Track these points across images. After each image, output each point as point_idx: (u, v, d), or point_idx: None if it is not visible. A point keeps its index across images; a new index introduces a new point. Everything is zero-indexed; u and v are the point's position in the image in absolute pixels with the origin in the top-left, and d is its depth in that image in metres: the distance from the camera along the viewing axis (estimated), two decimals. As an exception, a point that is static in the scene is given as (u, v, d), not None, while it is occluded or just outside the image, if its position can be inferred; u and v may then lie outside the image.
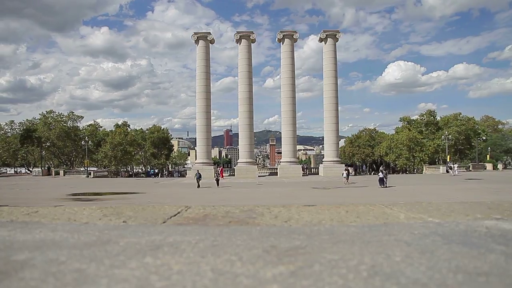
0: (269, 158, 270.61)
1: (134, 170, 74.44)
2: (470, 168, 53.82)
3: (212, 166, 49.47)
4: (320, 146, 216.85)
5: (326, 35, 48.96)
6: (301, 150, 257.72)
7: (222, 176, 39.43)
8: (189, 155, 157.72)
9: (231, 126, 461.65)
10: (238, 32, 49.29)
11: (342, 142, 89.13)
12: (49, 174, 55.60)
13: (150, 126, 76.19)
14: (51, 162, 73.85)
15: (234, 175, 48.05)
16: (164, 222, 2.18)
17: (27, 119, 71.90)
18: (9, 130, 72.58)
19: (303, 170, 48.64)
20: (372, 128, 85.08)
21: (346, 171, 33.53)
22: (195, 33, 49.59)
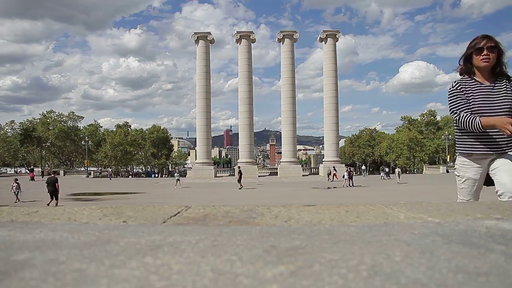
0: (269, 158, 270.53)
1: (134, 170, 74.41)
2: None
3: (212, 166, 49.47)
4: (320, 146, 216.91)
5: (326, 35, 49.00)
6: (301, 150, 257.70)
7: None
8: (189, 155, 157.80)
9: (231, 126, 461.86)
10: (238, 32, 49.31)
11: (342, 142, 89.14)
12: (49, 174, 55.60)
13: (150, 126, 76.24)
14: (51, 162, 73.83)
15: (234, 175, 48.04)
16: (164, 222, 2.18)
17: (27, 119, 71.98)
18: (9, 130, 72.61)
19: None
20: (373, 128, 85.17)
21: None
22: (195, 33, 49.60)
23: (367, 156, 77.18)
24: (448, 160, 56.58)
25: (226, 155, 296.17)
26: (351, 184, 30.04)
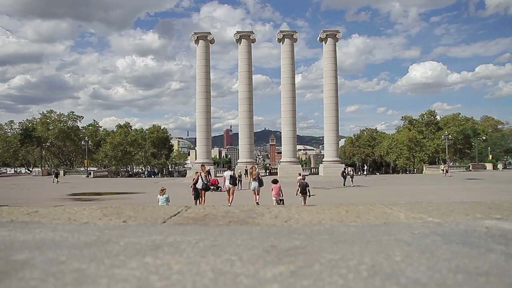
0: (269, 158, 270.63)
1: (134, 170, 74.42)
2: (470, 168, 53.82)
3: (212, 166, 49.47)
4: (320, 146, 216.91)
5: (326, 35, 48.93)
6: (301, 150, 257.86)
7: None
8: (189, 155, 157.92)
9: (231, 126, 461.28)
10: (238, 32, 49.21)
11: (342, 142, 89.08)
12: (49, 174, 55.71)
13: (150, 126, 76.20)
14: (51, 162, 73.84)
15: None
16: (164, 222, 2.18)
17: (26, 119, 71.91)
18: (9, 130, 72.55)
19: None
20: (374, 128, 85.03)
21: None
22: (195, 33, 49.55)
23: (367, 156, 77.16)
24: (447, 160, 56.52)
25: (226, 155, 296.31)
26: (344, 184, 28.59)
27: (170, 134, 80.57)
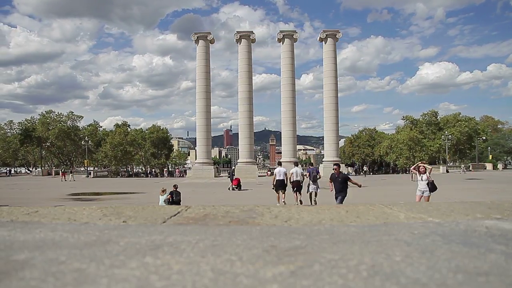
0: (269, 158, 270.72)
1: (134, 170, 74.37)
2: (470, 168, 53.85)
3: (212, 166, 49.45)
4: (321, 146, 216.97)
5: (326, 35, 48.88)
6: (301, 150, 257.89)
7: None
8: (189, 155, 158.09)
9: (231, 126, 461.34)
10: (238, 32, 49.16)
11: (342, 142, 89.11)
12: (49, 174, 55.76)
13: (150, 126, 76.13)
14: (51, 162, 73.80)
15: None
16: (164, 222, 2.18)
17: (26, 119, 71.86)
18: (9, 130, 72.51)
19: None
20: (373, 128, 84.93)
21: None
22: (195, 33, 49.54)
23: (367, 156, 77.13)
24: (447, 160, 56.50)
25: (226, 155, 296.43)
26: None
27: (170, 134, 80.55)
